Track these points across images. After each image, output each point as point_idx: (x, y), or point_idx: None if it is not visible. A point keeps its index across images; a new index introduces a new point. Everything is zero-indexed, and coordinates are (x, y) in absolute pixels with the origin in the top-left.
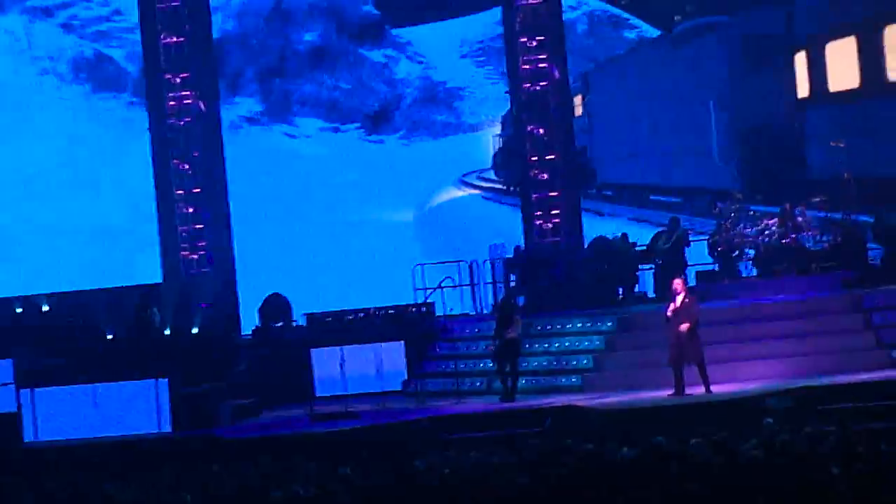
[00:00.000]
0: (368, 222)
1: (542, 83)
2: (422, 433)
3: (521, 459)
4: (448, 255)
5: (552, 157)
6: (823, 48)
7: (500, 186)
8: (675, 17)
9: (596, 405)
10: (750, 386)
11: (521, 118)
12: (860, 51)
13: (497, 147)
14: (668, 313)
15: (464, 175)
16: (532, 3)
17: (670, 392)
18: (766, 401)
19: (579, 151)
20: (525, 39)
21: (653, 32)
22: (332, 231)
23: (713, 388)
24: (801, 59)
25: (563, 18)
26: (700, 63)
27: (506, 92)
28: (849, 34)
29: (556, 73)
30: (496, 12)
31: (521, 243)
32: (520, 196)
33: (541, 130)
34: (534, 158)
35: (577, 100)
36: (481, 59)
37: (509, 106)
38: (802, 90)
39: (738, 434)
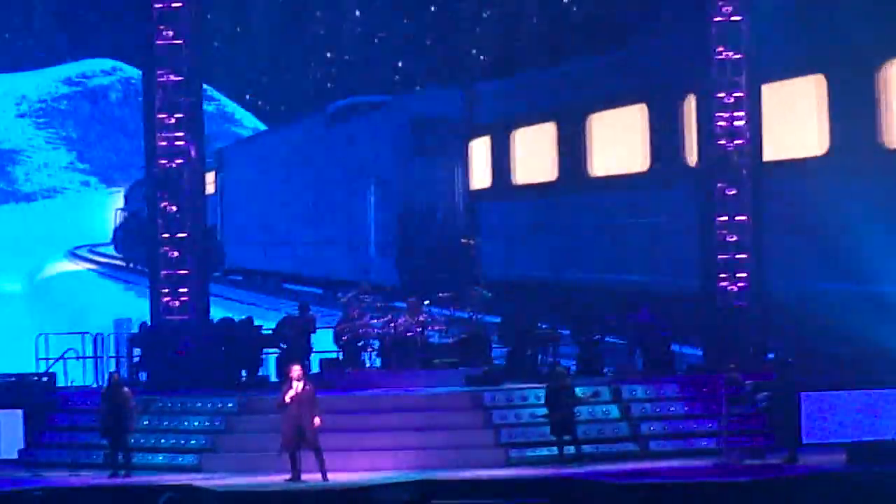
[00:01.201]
0: None
1: (178, 160)
2: None
3: None
4: (61, 327)
5: (183, 235)
6: (509, 136)
7: (117, 262)
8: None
9: (212, 486)
10: (368, 476)
11: (155, 194)
12: (559, 140)
13: (118, 222)
14: (286, 399)
15: (75, 248)
16: (173, 80)
17: (287, 477)
18: (382, 492)
19: (208, 232)
20: (164, 116)
21: (220, 103)
22: None
23: (329, 476)
24: (479, 147)
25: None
26: (359, 144)
27: (141, 167)
28: (544, 121)
29: (193, 152)
30: (64, 69)
31: (146, 319)
32: (146, 272)
33: (174, 208)
34: (165, 235)
35: (209, 177)
36: (42, 120)
37: (132, 181)
38: (480, 180)
39: None
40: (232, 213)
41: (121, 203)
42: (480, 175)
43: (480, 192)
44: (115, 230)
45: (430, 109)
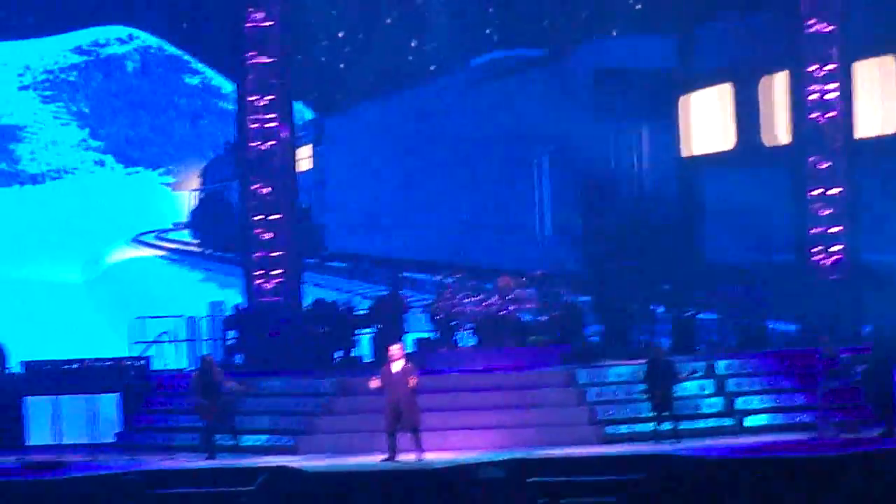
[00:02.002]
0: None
1: (269, 142)
2: (131, 487)
3: None
4: (131, 314)
5: (276, 216)
6: (756, 85)
7: (188, 248)
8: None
9: (308, 467)
10: (463, 455)
11: (247, 177)
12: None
13: (194, 204)
14: (371, 383)
15: (140, 234)
16: (263, 62)
17: (384, 457)
18: (478, 470)
19: (302, 213)
20: (255, 98)
21: (219, 80)
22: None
23: (426, 456)
24: (704, 101)
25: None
26: (523, 105)
27: (231, 144)
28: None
29: (284, 133)
30: (73, 37)
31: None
32: (225, 258)
33: (266, 190)
34: (257, 217)
35: (305, 151)
36: (49, 93)
37: (211, 158)
38: (703, 143)
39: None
40: (335, 192)
41: (193, 184)
42: (705, 136)
43: (705, 158)
44: (192, 213)
45: (622, 59)
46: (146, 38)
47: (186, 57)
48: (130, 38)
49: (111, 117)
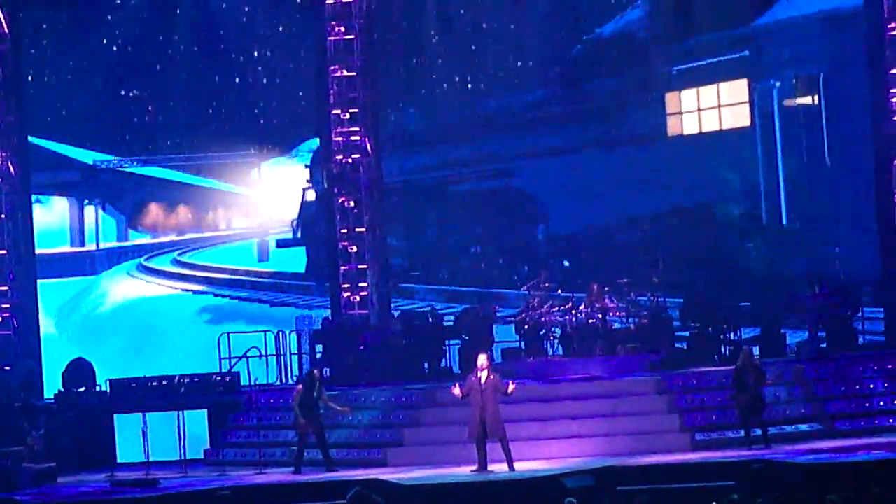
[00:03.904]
0: None
1: (354, 156)
2: (223, 503)
3: None
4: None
5: (362, 230)
6: None
7: (224, 275)
8: None
9: (399, 479)
10: (552, 464)
11: (332, 190)
12: None
13: (305, 209)
14: (454, 391)
15: (147, 257)
16: (346, 75)
17: (473, 468)
18: (568, 479)
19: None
20: (339, 111)
21: None
22: None
23: (516, 466)
24: None
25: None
26: None
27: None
28: None
29: (368, 146)
30: None
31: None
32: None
33: (351, 203)
34: (343, 231)
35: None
36: None
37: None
38: None
39: None
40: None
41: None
42: None
43: None
44: (298, 220)
45: None
46: None
47: None
48: None
49: None
